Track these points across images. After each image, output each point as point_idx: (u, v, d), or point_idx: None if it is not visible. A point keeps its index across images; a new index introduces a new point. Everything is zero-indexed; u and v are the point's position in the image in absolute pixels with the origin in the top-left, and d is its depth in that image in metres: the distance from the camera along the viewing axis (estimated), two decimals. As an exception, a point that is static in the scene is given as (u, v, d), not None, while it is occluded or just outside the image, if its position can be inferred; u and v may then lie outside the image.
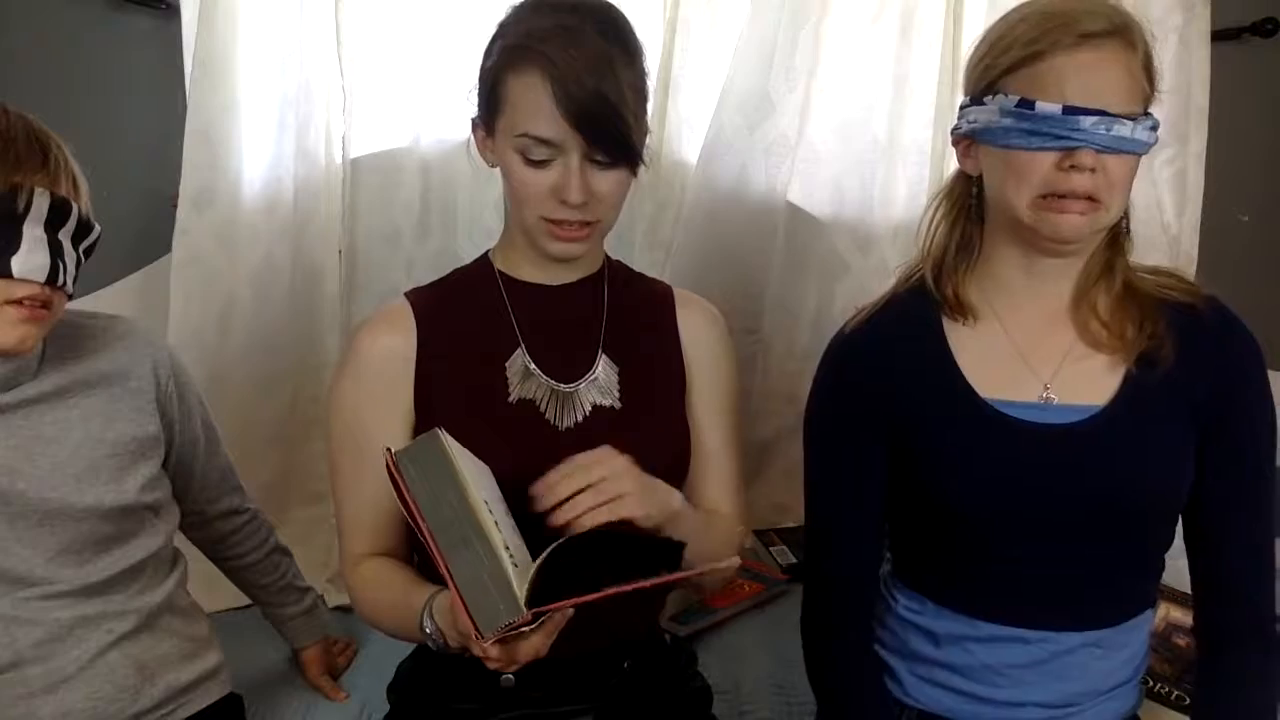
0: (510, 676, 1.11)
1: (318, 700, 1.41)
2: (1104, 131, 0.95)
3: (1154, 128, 0.98)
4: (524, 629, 0.84)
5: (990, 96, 1.00)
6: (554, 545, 0.86)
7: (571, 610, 0.88)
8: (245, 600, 1.44)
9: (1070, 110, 0.95)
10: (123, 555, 1.11)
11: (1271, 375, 1.07)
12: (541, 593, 0.83)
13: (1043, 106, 0.96)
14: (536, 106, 1.01)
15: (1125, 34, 0.97)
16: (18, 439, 1.04)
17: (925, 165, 1.90)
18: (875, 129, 1.88)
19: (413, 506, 0.83)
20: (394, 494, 0.86)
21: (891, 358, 1.09)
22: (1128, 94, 0.97)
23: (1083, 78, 0.95)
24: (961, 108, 1.06)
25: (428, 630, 0.98)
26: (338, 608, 1.65)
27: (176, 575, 1.19)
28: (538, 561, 0.85)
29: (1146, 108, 0.99)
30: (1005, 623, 1.07)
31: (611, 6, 1.06)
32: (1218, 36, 1.87)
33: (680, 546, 0.92)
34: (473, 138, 1.12)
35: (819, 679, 1.18)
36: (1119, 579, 1.07)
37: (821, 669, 1.18)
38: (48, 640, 1.05)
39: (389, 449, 0.85)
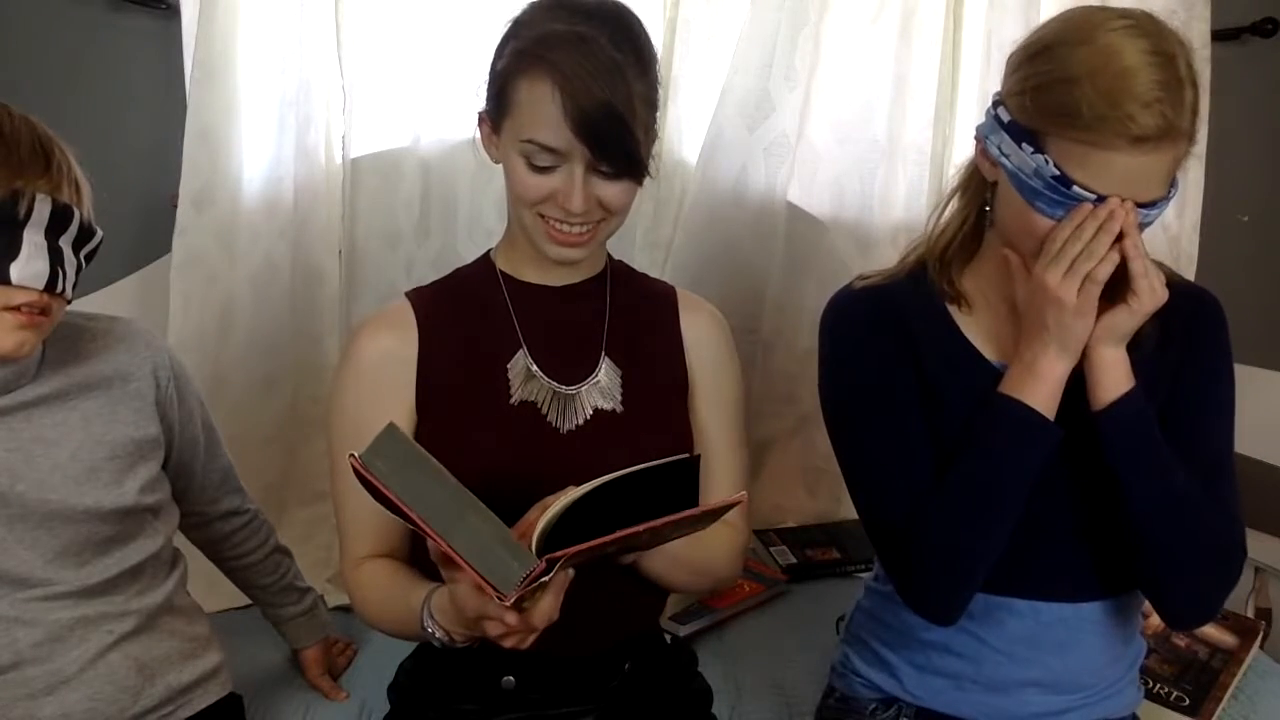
0: (511, 678, 1.11)
1: (318, 700, 1.41)
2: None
3: (1177, 184, 1.00)
4: (542, 580, 0.83)
5: (1030, 145, 0.97)
6: (559, 508, 0.85)
7: (572, 573, 0.87)
8: (245, 600, 1.44)
9: (1104, 198, 0.96)
10: (122, 556, 1.11)
11: (1269, 375, 1.08)
12: (550, 545, 0.83)
13: (1079, 191, 0.96)
14: (544, 115, 0.99)
15: (1178, 130, 0.94)
16: (17, 441, 1.04)
17: (925, 166, 1.91)
18: (875, 129, 1.88)
19: (396, 500, 0.83)
20: (372, 498, 0.85)
21: (907, 318, 1.11)
22: (1166, 180, 0.98)
23: (1129, 179, 0.95)
24: (995, 106, 1.02)
25: (429, 629, 0.98)
26: (338, 608, 1.65)
27: (176, 576, 1.19)
28: (544, 522, 0.85)
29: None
30: (996, 592, 1.10)
31: (628, 13, 1.05)
32: (1218, 36, 1.87)
33: (695, 460, 0.91)
34: (478, 131, 1.11)
35: (942, 529, 1.06)
36: (1104, 550, 1.09)
37: (932, 527, 1.06)
38: (48, 641, 1.05)
39: (353, 454, 0.84)
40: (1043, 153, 0.96)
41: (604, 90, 0.98)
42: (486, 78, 1.08)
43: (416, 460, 0.85)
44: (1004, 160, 1.00)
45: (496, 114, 1.06)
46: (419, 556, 1.12)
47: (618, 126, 0.99)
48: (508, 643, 0.90)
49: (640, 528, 0.83)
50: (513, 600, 0.82)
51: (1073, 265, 0.97)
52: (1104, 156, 0.94)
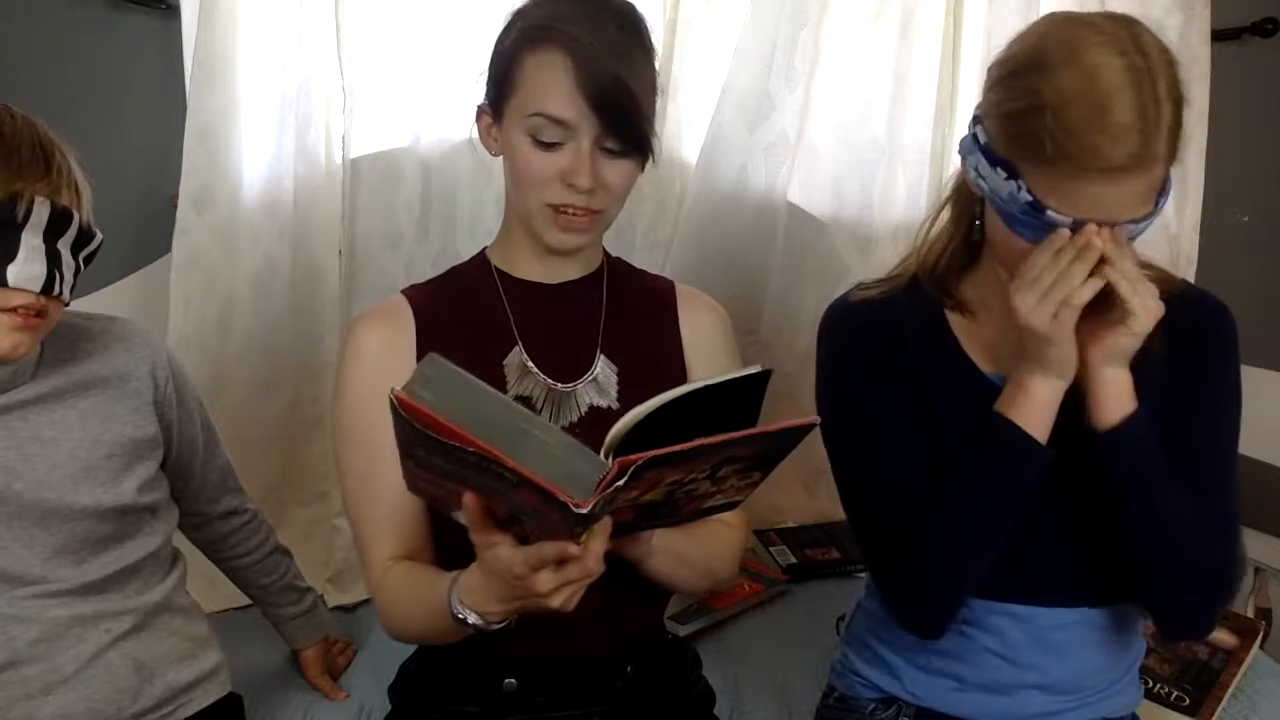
0: (513, 680, 1.11)
1: (318, 700, 1.41)
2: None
3: (1167, 193, 0.96)
4: (617, 484, 0.78)
5: (1004, 171, 0.96)
6: (627, 421, 0.83)
7: (609, 522, 0.83)
8: (245, 600, 1.44)
9: (1081, 222, 0.94)
10: (120, 555, 1.11)
11: (1271, 375, 1.08)
12: (621, 452, 0.80)
13: (1054, 216, 0.94)
14: (555, 85, 1.00)
15: (1152, 157, 0.90)
16: (15, 440, 1.04)
17: (925, 165, 1.91)
18: (875, 129, 1.88)
19: (451, 427, 0.77)
20: (415, 439, 0.80)
21: (902, 331, 1.11)
22: (1147, 200, 0.95)
23: (1103, 205, 0.93)
24: (975, 124, 1.01)
25: (459, 614, 0.92)
26: (338, 608, 1.66)
27: (175, 575, 1.19)
28: (612, 435, 0.83)
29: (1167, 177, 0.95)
30: (995, 598, 1.09)
31: (632, 6, 1.07)
32: (1218, 36, 1.87)
33: (766, 375, 0.87)
34: (476, 126, 1.11)
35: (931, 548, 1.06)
36: (1100, 557, 1.08)
37: (917, 545, 1.07)
38: (45, 639, 1.05)
39: (393, 389, 0.79)
40: (1016, 179, 0.95)
41: (614, 64, 0.99)
42: (487, 68, 1.08)
43: (465, 382, 0.81)
44: (981, 183, 0.99)
45: (499, 97, 1.06)
46: (443, 555, 1.09)
47: (628, 100, 1.00)
48: (556, 600, 0.85)
49: (719, 439, 0.79)
50: (591, 506, 0.77)
51: (1046, 293, 0.95)
52: (1073, 185, 0.92)
